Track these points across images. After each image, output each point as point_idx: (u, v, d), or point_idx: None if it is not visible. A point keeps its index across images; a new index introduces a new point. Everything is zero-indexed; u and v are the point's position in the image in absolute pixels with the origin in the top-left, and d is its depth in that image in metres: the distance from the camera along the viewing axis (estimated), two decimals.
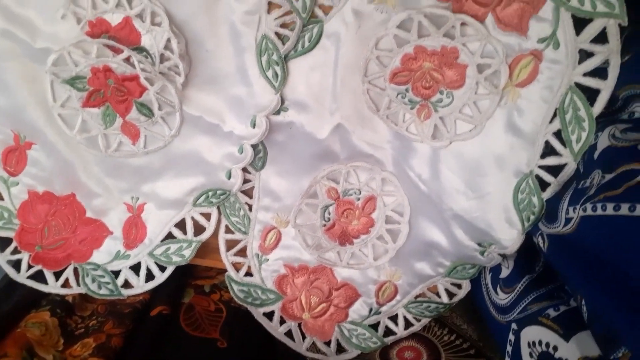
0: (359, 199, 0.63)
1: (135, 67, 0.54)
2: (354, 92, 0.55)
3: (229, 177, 0.62)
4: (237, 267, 0.68)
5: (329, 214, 0.64)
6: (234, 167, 0.61)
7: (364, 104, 0.56)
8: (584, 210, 0.42)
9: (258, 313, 0.67)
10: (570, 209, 0.45)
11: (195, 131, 0.60)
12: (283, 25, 0.53)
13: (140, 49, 0.54)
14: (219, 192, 0.63)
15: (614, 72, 0.46)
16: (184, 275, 0.69)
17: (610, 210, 0.39)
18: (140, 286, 0.65)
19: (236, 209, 0.65)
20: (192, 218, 0.65)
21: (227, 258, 0.67)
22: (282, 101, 0.57)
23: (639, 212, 0.36)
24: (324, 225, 0.64)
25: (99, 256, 0.66)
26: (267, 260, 0.67)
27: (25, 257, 0.65)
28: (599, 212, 0.40)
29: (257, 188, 0.64)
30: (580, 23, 0.46)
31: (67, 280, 0.65)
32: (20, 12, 0.54)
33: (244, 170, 0.62)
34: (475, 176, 0.54)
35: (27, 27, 0.54)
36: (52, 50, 0.55)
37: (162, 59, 0.55)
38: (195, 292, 0.67)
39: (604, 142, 0.45)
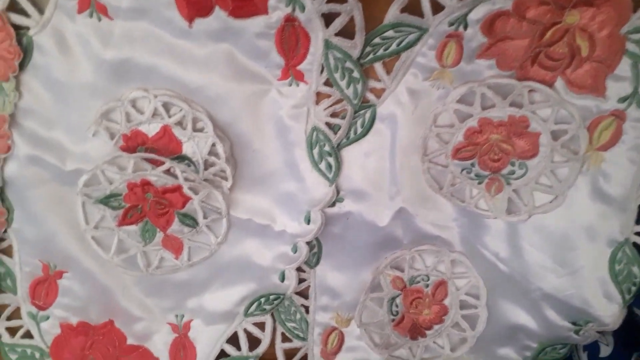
0: (427, 286, 0.58)
1: (178, 178, 0.50)
2: (414, 173, 0.52)
3: (283, 279, 0.57)
4: None
5: (397, 306, 0.58)
6: (288, 268, 0.57)
7: (426, 184, 0.52)
8: None
9: None
10: None
11: (243, 235, 0.55)
12: (333, 115, 0.50)
13: (181, 158, 0.51)
14: (272, 297, 0.58)
15: None
16: None
17: None
18: None
19: (292, 313, 0.60)
20: (245, 330, 0.59)
21: None
22: (337, 192, 0.53)
23: None
24: (392, 319, 0.59)
25: None
26: None
27: None
28: None
29: (312, 287, 0.59)
30: None
31: None
32: (48, 135, 0.50)
33: (298, 269, 0.57)
34: (563, 250, 0.50)
35: (55, 150, 0.51)
36: (84, 171, 0.51)
37: (207, 165, 0.51)
38: None
39: None
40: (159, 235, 0.54)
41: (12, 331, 0.59)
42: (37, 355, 0.59)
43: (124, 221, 0.53)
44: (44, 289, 0.57)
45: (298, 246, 0.55)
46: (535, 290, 0.53)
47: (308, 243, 0.55)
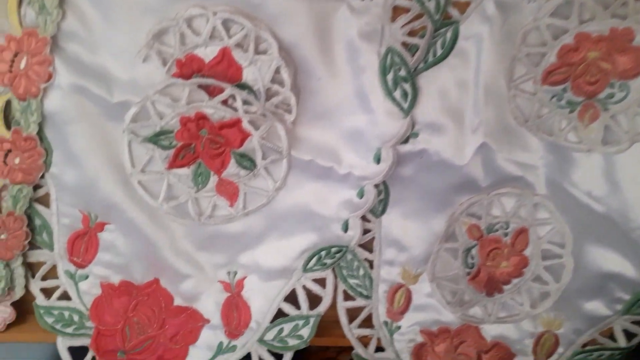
0: (506, 235, 0.53)
1: (238, 110, 0.45)
2: (499, 102, 0.47)
3: (346, 229, 0.52)
4: (364, 341, 0.56)
5: (472, 258, 0.53)
6: (352, 216, 0.51)
7: (510, 115, 0.47)
8: None
9: None
10: None
11: (304, 179, 0.50)
12: (410, 33, 0.45)
13: (241, 86, 0.46)
14: (333, 250, 0.53)
15: None
16: None
17: None
18: None
19: (354, 269, 0.54)
20: (304, 287, 0.54)
21: (350, 332, 0.55)
22: (412, 126, 0.48)
23: None
24: (468, 273, 0.53)
25: (198, 354, 0.54)
26: (399, 328, 0.56)
27: None
28: None
29: (377, 239, 0.54)
30: None
31: None
32: (94, 61, 0.45)
33: (362, 218, 0.52)
34: None
35: (101, 78, 0.46)
36: (132, 103, 0.46)
37: (268, 95, 0.46)
38: None
39: None
40: (213, 179, 0.49)
41: (48, 292, 0.54)
42: (76, 318, 0.53)
43: (174, 163, 0.48)
44: (84, 243, 0.52)
45: (365, 190, 0.50)
46: (635, 230, 0.47)
47: (376, 186, 0.50)
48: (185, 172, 0.49)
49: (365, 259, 0.54)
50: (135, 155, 0.49)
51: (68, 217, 0.51)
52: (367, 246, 0.54)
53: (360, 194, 0.50)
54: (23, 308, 0.54)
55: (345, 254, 0.53)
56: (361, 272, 0.54)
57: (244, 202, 0.51)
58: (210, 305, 0.54)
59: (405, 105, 0.47)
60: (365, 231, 0.53)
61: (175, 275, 0.54)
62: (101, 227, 0.52)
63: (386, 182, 0.51)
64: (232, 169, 0.49)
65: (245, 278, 0.54)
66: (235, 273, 0.54)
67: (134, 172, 0.49)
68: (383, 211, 0.53)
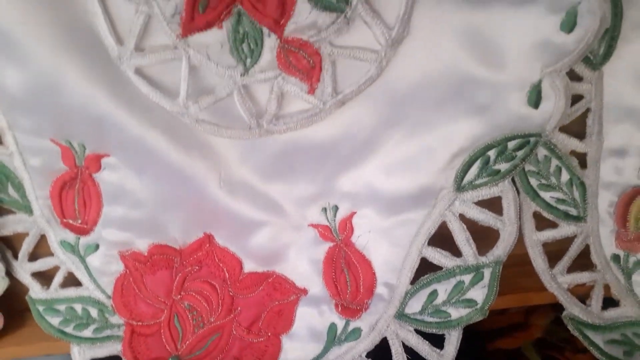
0: None
1: None
2: None
3: (536, 100, 0.28)
4: (579, 294, 0.34)
5: None
6: (550, 72, 0.28)
7: None
8: None
9: None
10: None
11: (445, 8, 0.26)
12: None
13: None
14: (511, 145, 0.30)
15: None
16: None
17: None
18: None
19: (552, 173, 0.32)
20: (462, 217, 0.32)
21: (554, 282, 0.34)
22: None
23: None
24: None
25: (298, 348, 0.34)
26: None
27: None
28: None
29: (595, 112, 0.31)
30: None
31: None
32: None
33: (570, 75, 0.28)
34: None
35: None
36: None
37: None
38: None
39: None
40: (270, 44, 0.26)
41: (45, 278, 0.35)
42: (94, 312, 0.35)
43: (192, 22, 0.26)
44: (77, 194, 0.32)
45: (579, 12, 0.25)
46: None
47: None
48: (216, 37, 0.26)
49: (572, 153, 0.31)
50: (119, 20, 0.26)
51: (37, 154, 0.31)
52: (574, 129, 0.30)
53: (569, 23, 0.26)
54: (16, 307, 0.36)
55: (535, 149, 0.30)
56: (564, 177, 0.32)
57: (333, 80, 0.28)
58: (303, 265, 0.34)
59: None
60: (573, 100, 0.29)
61: (240, 225, 0.33)
62: (96, 163, 0.31)
63: None
64: (301, 17, 0.25)
65: (354, 214, 0.33)
66: (336, 208, 0.33)
67: (125, 54, 0.27)
68: (607, 56, 0.28)
